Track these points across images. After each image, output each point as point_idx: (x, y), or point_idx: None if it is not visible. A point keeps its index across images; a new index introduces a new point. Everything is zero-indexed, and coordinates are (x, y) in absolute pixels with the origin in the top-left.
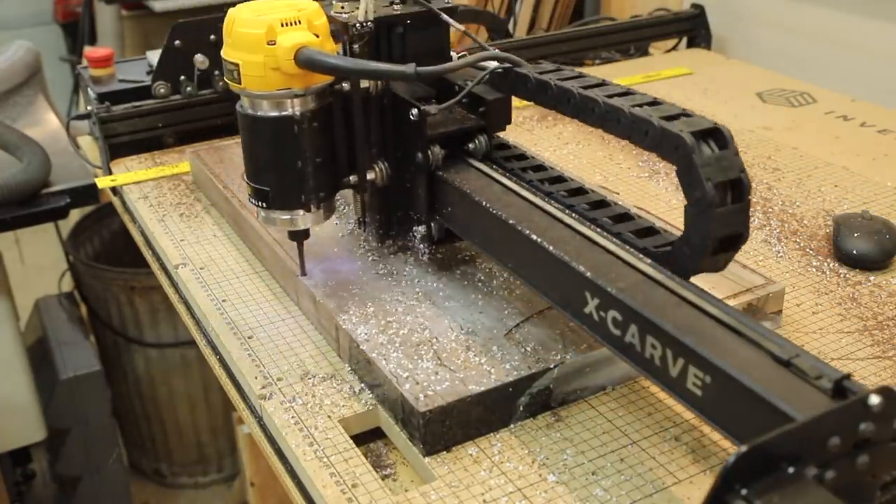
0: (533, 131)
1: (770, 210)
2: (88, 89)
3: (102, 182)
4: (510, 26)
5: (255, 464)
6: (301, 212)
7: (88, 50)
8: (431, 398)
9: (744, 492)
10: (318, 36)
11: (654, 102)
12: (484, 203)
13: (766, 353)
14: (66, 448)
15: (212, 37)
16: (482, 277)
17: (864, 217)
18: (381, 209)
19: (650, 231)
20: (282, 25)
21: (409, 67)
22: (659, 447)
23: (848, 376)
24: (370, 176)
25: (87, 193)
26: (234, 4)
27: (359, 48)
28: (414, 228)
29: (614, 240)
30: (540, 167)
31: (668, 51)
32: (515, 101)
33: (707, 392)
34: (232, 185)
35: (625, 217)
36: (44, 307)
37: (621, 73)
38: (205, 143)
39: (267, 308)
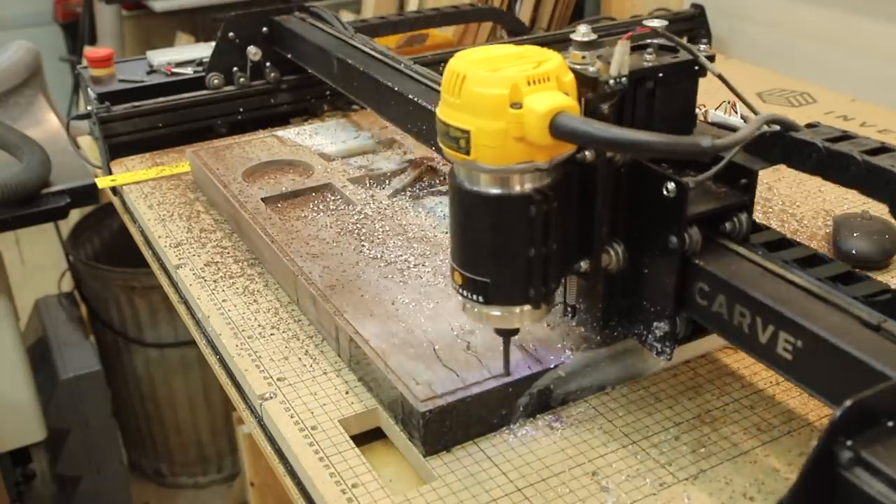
0: None
1: (770, 210)
2: (88, 89)
3: (102, 182)
4: None
5: (255, 464)
6: (522, 308)
7: (88, 50)
8: (431, 398)
9: (849, 443)
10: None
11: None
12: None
13: (855, 318)
14: (66, 448)
15: (264, 29)
16: None
17: (864, 217)
18: (605, 297)
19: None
20: (528, 84)
21: (705, 140)
22: (659, 447)
23: None
24: (605, 260)
25: (87, 193)
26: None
27: (607, 108)
28: (654, 325)
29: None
30: (788, 244)
31: None
32: None
33: (798, 356)
34: (232, 185)
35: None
36: (44, 307)
37: None
38: (205, 143)
39: (267, 308)
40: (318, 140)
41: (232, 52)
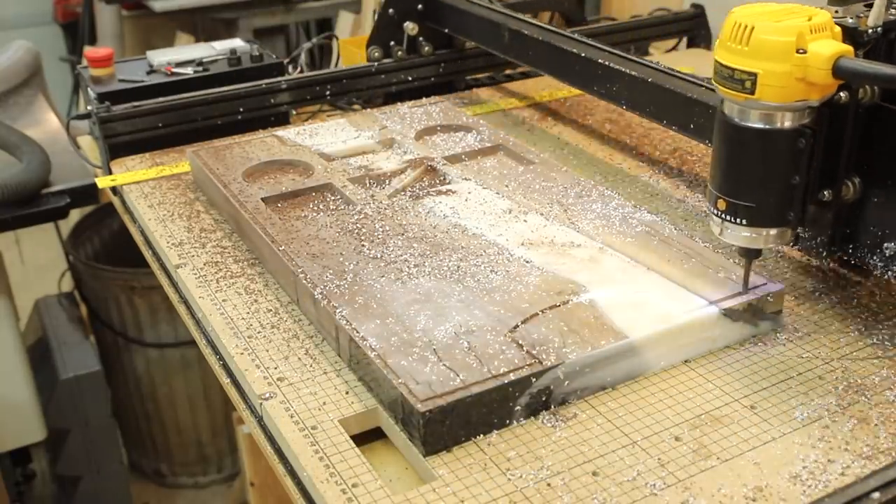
0: (533, 132)
1: None
2: (88, 89)
3: (102, 182)
4: None
5: (255, 464)
6: (779, 230)
7: (88, 50)
8: (431, 398)
9: None
10: None
11: None
12: None
13: None
14: (66, 448)
15: (419, 6)
16: (481, 278)
17: None
18: (833, 224)
19: None
20: (811, 32)
21: None
22: (659, 447)
23: None
24: (843, 192)
25: (87, 193)
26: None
27: (861, 55)
28: (885, 246)
29: None
30: None
31: (668, 51)
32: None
33: None
34: (232, 185)
35: None
36: (44, 307)
37: None
38: (205, 143)
39: (267, 308)
40: (318, 140)
41: (391, 27)
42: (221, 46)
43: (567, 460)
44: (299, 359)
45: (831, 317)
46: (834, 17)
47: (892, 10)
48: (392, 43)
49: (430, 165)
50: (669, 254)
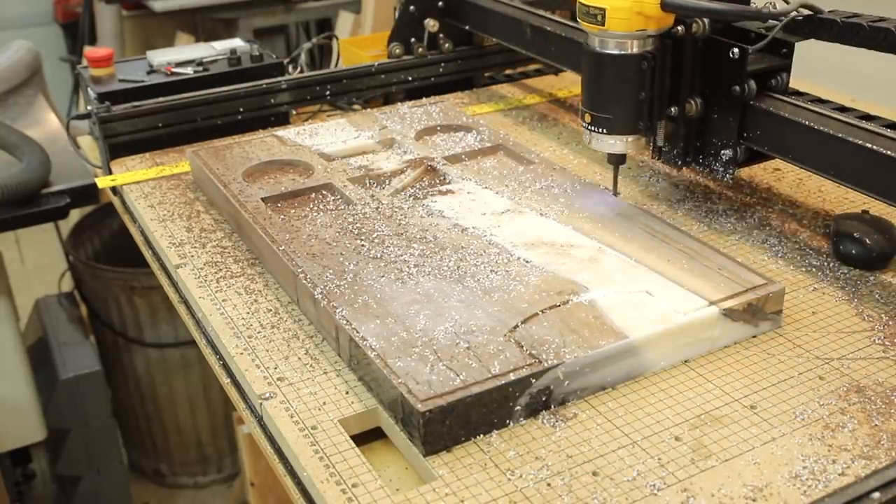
0: (533, 131)
1: (770, 210)
2: (88, 89)
3: (102, 182)
4: None
5: (255, 464)
6: (632, 137)
7: (88, 50)
8: (431, 398)
9: None
10: None
11: None
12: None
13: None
14: (66, 448)
15: (440, 3)
16: (481, 278)
17: (864, 217)
18: (686, 137)
19: None
20: None
21: (763, 9)
22: (659, 447)
23: None
24: (687, 108)
25: (87, 193)
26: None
27: None
28: (721, 152)
29: None
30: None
31: None
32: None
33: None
34: (232, 185)
35: None
36: (44, 307)
37: None
38: (205, 143)
39: (267, 308)
40: (318, 140)
41: (412, 24)
42: (221, 46)
43: (567, 460)
44: (299, 359)
45: (831, 317)
46: None
47: None
48: (413, 40)
49: (430, 165)
50: (669, 254)
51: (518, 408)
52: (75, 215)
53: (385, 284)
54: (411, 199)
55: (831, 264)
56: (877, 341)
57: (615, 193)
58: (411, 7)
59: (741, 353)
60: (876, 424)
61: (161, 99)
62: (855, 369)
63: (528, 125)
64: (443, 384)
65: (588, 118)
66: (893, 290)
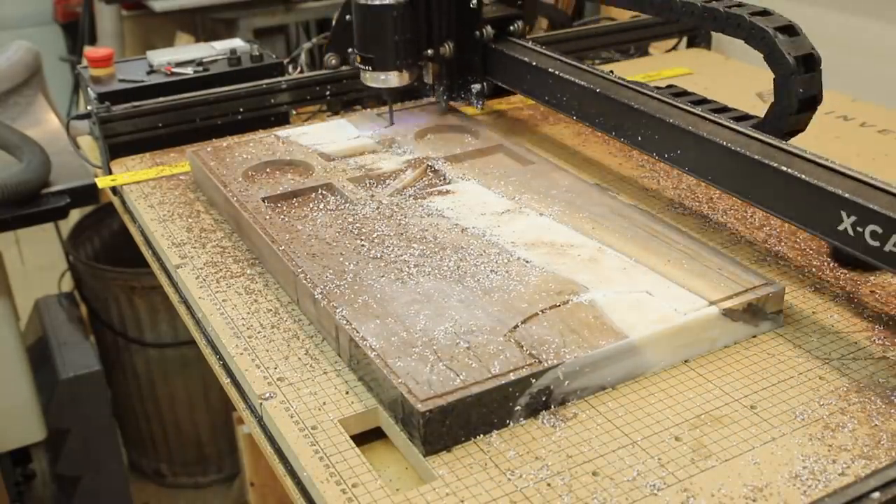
0: (534, 131)
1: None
2: (88, 89)
3: (102, 182)
4: None
5: (255, 464)
6: (395, 73)
7: (88, 50)
8: (431, 398)
9: None
10: None
11: (741, 4)
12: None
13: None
14: (66, 448)
15: None
16: (481, 277)
17: None
18: (448, 75)
19: (726, 108)
20: None
21: None
22: (659, 447)
23: None
24: (441, 50)
25: (87, 193)
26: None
27: None
28: (471, 86)
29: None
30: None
31: (668, 51)
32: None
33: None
34: (232, 185)
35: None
36: (44, 307)
37: (621, 73)
38: (205, 143)
39: (267, 308)
40: (318, 140)
41: (348, 33)
42: (221, 46)
43: (567, 460)
44: (299, 359)
45: (831, 317)
46: None
47: None
48: (350, 49)
49: (430, 165)
50: (669, 254)
51: (518, 408)
52: (75, 215)
53: (385, 284)
54: (411, 199)
55: (831, 264)
56: (877, 341)
57: (391, 123)
58: (347, 16)
59: (741, 353)
60: (876, 424)
61: (161, 99)
62: (855, 369)
63: (527, 125)
64: (443, 384)
65: (359, 59)
66: (893, 290)
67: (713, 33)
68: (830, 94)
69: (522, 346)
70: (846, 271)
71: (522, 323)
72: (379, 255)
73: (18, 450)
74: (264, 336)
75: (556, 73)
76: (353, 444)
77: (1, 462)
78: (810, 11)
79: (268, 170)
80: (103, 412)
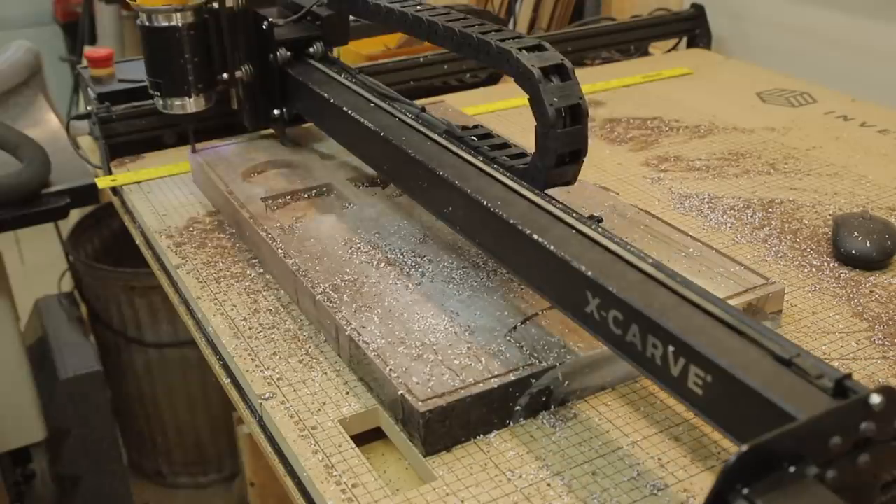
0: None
1: (770, 210)
2: (88, 89)
3: (102, 182)
4: (510, 26)
5: (255, 464)
6: (186, 98)
7: (88, 50)
8: (431, 398)
9: (745, 491)
10: None
11: (517, 36)
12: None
13: (768, 352)
14: (66, 448)
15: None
16: (481, 277)
17: (864, 217)
18: (249, 99)
19: (506, 145)
20: None
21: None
22: (659, 447)
23: (849, 376)
24: (238, 74)
25: (87, 193)
26: None
27: None
28: (272, 112)
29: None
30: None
31: (669, 51)
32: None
33: (708, 391)
34: (232, 185)
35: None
36: (44, 307)
37: (621, 74)
38: (205, 143)
39: (267, 308)
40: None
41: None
42: None
43: (567, 460)
44: (299, 359)
45: (831, 317)
46: None
47: None
48: None
49: None
50: (669, 254)
51: (518, 408)
52: (75, 215)
53: (385, 284)
54: (411, 198)
55: (831, 264)
56: (877, 341)
57: (193, 151)
58: None
59: None
60: None
61: None
62: (855, 369)
63: (526, 124)
64: (443, 384)
65: (149, 84)
66: (893, 290)
67: (712, 33)
68: (830, 93)
69: (522, 346)
70: (846, 271)
71: (522, 323)
72: (379, 255)
73: (18, 450)
74: (264, 336)
75: (343, 107)
76: (353, 444)
77: (1, 462)
78: (811, 11)
79: (268, 170)
80: (103, 412)
